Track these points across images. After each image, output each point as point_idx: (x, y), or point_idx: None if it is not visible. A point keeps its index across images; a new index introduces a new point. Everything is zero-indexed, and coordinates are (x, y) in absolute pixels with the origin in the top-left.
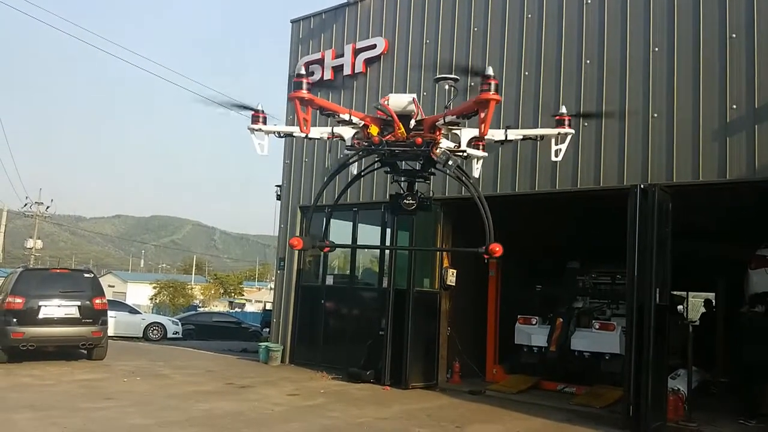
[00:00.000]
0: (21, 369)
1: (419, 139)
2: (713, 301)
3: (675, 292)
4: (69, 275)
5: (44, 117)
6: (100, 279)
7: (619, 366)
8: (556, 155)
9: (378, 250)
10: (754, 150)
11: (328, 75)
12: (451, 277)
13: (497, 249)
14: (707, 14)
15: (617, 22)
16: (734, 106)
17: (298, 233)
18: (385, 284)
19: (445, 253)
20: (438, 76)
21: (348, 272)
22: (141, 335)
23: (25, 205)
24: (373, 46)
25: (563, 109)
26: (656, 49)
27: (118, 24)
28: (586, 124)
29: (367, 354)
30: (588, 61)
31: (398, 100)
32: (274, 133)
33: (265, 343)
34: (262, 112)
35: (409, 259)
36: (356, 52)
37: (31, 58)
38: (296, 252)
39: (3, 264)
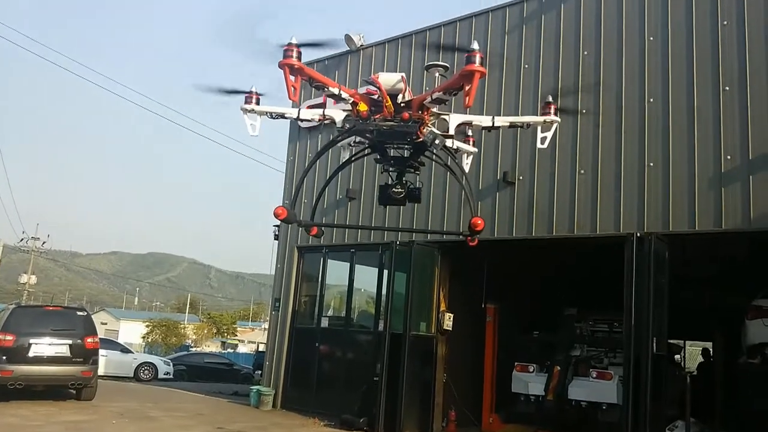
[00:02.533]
0: (7, 408)
1: (406, 114)
2: (711, 350)
3: (672, 341)
4: (62, 313)
5: (44, 151)
6: (93, 316)
7: (617, 416)
8: (542, 143)
9: (375, 292)
10: (749, 200)
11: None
12: (448, 322)
13: (479, 222)
14: (700, 66)
15: (612, 73)
16: (729, 157)
17: (295, 274)
18: (381, 327)
19: (442, 296)
20: (428, 63)
21: (344, 314)
22: (132, 375)
23: (22, 239)
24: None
25: (549, 99)
26: (651, 99)
27: (116, 58)
28: (582, 171)
29: (361, 400)
30: (584, 111)
31: (388, 79)
32: (266, 113)
33: (257, 387)
34: (256, 93)
35: (405, 301)
36: None
37: (30, 92)
38: (292, 293)
39: None
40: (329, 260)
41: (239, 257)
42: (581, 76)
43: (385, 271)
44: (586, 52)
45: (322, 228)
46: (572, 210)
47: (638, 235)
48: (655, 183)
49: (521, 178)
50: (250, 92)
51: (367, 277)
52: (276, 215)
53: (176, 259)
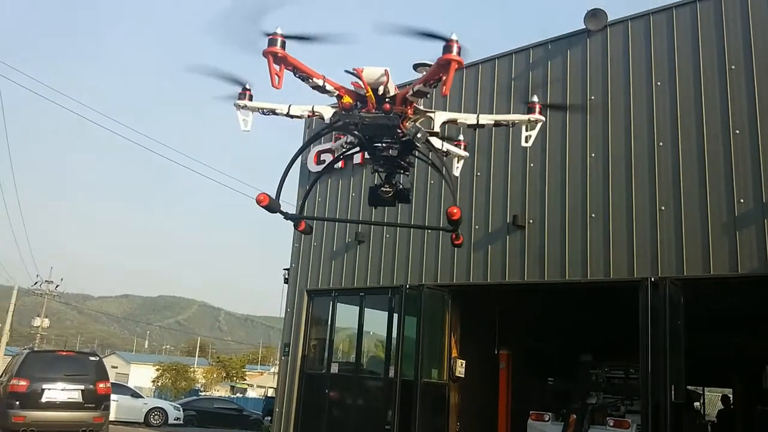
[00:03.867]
0: None
1: (387, 106)
2: (731, 397)
3: (690, 387)
4: (74, 358)
5: (59, 195)
6: (104, 359)
7: None
8: (527, 141)
9: (386, 336)
10: (765, 243)
11: (338, 164)
12: (460, 368)
13: (455, 211)
14: (709, 110)
15: (621, 118)
16: (741, 200)
17: (304, 317)
18: (391, 374)
19: (453, 342)
20: (416, 62)
21: (353, 359)
22: (142, 420)
23: (35, 283)
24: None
25: (534, 98)
26: (661, 143)
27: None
28: (593, 215)
29: None
30: (593, 155)
31: (372, 73)
32: (258, 109)
33: None
34: (249, 89)
35: (416, 347)
36: None
37: (46, 137)
38: (301, 338)
39: (9, 342)
40: (339, 304)
41: (249, 300)
42: (589, 121)
43: (395, 316)
44: (593, 97)
45: (311, 224)
46: (584, 254)
47: (652, 279)
48: (667, 227)
49: (531, 221)
50: (245, 88)
51: (377, 321)
52: (258, 202)
53: (186, 302)
